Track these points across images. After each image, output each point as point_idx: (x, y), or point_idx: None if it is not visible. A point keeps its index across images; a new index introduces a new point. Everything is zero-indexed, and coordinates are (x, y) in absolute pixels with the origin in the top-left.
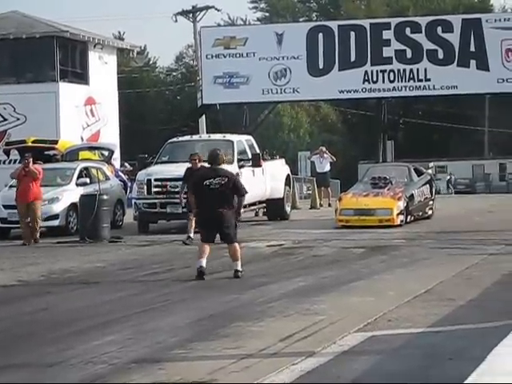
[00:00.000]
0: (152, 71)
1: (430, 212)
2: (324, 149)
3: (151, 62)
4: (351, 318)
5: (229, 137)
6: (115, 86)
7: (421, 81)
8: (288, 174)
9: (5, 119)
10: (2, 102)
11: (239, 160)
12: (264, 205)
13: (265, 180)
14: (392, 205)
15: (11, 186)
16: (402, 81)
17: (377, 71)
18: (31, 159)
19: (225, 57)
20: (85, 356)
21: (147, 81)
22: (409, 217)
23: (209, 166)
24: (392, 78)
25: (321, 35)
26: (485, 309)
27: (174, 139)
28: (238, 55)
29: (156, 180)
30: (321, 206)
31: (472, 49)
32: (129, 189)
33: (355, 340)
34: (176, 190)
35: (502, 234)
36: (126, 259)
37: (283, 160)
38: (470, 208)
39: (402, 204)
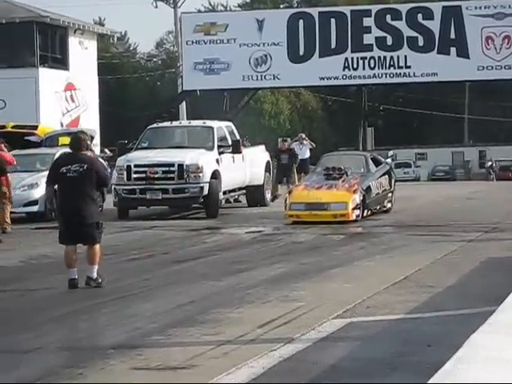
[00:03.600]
0: (132, 57)
1: (388, 205)
2: (304, 135)
3: (131, 48)
4: (330, 304)
5: (209, 123)
6: (95, 71)
7: (401, 68)
8: (268, 161)
9: None
10: None
11: (219, 146)
12: (244, 191)
13: (245, 167)
14: (347, 198)
15: None
16: (382, 68)
17: (357, 58)
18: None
19: (205, 43)
20: (62, 342)
21: (127, 67)
22: (366, 211)
23: (70, 151)
24: (372, 65)
25: (301, 22)
26: (463, 295)
27: (155, 125)
28: (218, 41)
29: (136, 166)
30: None
31: (452, 36)
32: (108, 175)
33: (334, 326)
34: (156, 176)
35: (480, 221)
36: (105, 245)
37: (263, 146)
38: (450, 195)
39: (357, 197)
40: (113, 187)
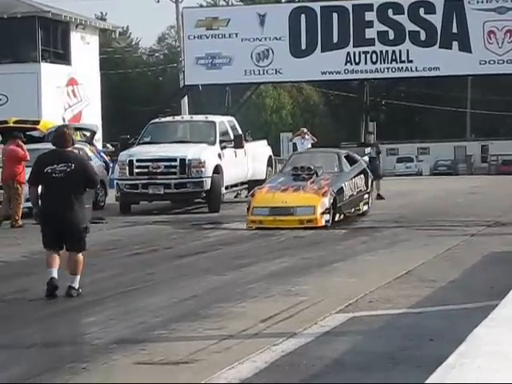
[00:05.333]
0: (134, 52)
1: (365, 208)
2: (305, 130)
3: (133, 43)
4: (332, 299)
5: (211, 118)
6: (97, 66)
7: (403, 62)
8: (270, 155)
9: None
10: None
11: (221, 141)
12: (246, 186)
13: (247, 161)
14: (315, 202)
15: None
16: (384, 62)
17: (359, 52)
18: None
19: (207, 38)
20: (65, 337)
21: (129, 62)
22: (337, 215)
23: (53, 148)
24: (374, 60)
25: (303, 16)
26: (466, 290)
27: (157, 120)
28: (220, 36)
29: (138, 161)
30: None
31: (454, 30)
32: (111, 170)
33: (336, 321)
34: (158, 170)
35: (483, 216)
36: (108, 240)
37: (265, 141)
38: (452, 189)
39: (327, 200)
40: (115, 182)
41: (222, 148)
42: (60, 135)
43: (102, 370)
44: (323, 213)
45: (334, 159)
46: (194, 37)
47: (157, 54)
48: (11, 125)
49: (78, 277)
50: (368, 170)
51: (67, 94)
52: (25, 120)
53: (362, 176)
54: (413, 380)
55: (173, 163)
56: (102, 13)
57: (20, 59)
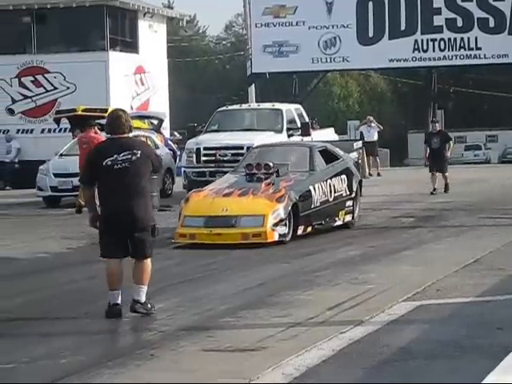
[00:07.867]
0: (201, 40)
1: (347, 218)
2: (371, 118)
3: (200, 31)
4: (400, 287)
5: (278, 106)
6: (165, 54)
7: (471, 49)
8: None
9: (55, 88)
10: (52, 71)
11: (288, 129)
12: None
13: None
14: (265, 210)
15: (62, 155)
16: (452, 50)
17: (427, 40)
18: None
19: (274, 25)
20: (134, 324)
21: (197, 50)
22: (301, 227)
23: (108, 136)
24: (442, 47)
25: (371, 3)
26: None
27: (224, 108)
28: (287, 24)
29: (205, 149)
30: (370, 175)
31: None
32: (178, 158)
33: (403, 309)
34: (225, 158)
35: None
36: (174, 228)
37: (332, 129)
38: None
39: (282, 208)
40: (182, 170)
41: (289, 136)
42: (115, 119)
43: (170, 356)
44: (276, 224)
45: (304, 154)
46: (262, 25)
47: (224, 42)
48: (80, 113)
49: (145, 288)
50: (354, 169)
51: (135, 82)
52: (93, 108)
53: (344, 177)
54: (480, 368)
55: (240, 151)
56: (169, 1)
57: (88, 48)
